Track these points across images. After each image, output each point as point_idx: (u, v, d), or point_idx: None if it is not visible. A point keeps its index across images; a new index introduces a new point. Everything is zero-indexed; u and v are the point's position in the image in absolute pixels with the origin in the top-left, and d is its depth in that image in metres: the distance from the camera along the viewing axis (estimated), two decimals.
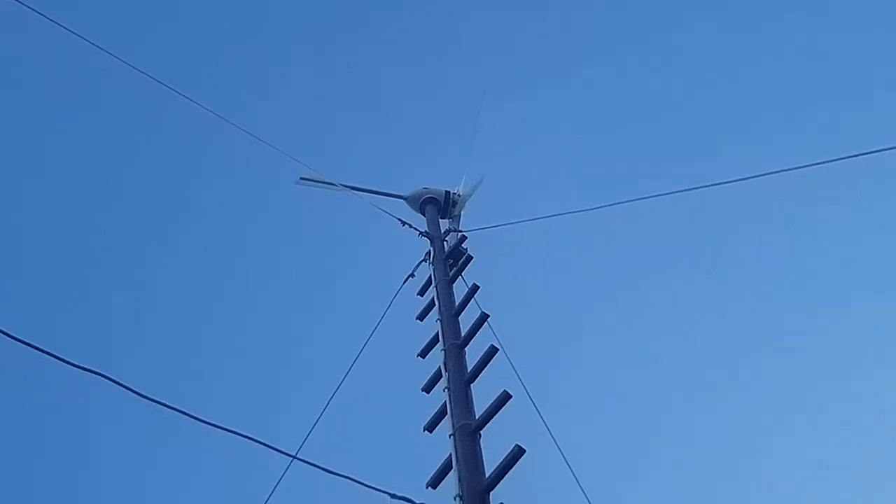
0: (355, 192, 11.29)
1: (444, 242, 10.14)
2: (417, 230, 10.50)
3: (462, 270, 9.14)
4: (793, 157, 7.73)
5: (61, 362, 4.82)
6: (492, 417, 6.66)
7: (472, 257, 9.29)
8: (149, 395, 5.19)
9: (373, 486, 5.92)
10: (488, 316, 7.87)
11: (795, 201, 16.89)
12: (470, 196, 11.22)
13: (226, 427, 5.58)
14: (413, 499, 6.05)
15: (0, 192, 18.48)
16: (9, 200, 18.53)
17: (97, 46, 9.17)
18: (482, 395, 7.07)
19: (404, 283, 9.63)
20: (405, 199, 11.23)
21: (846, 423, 16.08)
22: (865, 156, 6.78)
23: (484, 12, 23.13)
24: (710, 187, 8.38)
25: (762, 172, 7.86)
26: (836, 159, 6.99)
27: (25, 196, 19.03)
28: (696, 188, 8.62)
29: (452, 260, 9.54)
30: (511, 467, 6.03)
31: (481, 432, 6.63)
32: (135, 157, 20.76)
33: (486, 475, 6.13)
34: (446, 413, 7.10)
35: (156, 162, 20.71)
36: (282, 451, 5.97)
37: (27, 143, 19.41)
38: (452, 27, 23.47)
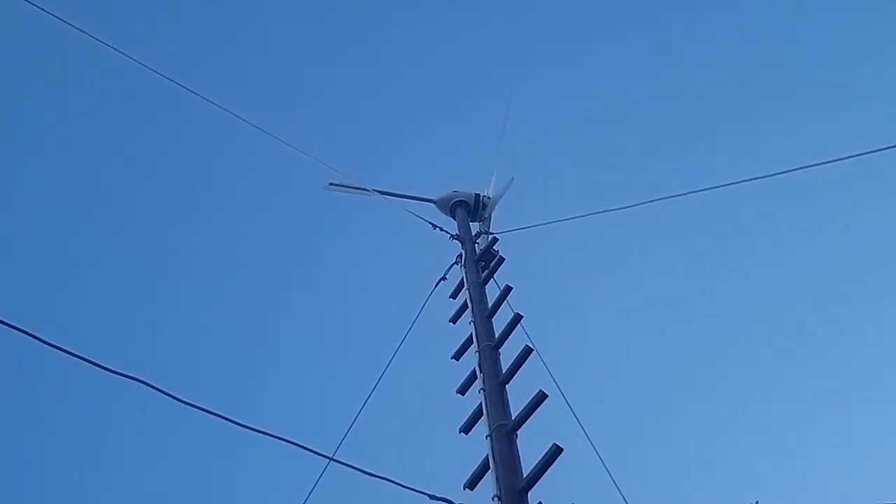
0: (385, 196, 11.33)
1: (476, 245, 10.13)
2: (448, 233, 10.49)
3: (494, 272, 9.11)
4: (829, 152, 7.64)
5: (97, 367, 4.86)
6: (528, 417, 6.63)
7: (503, 259, 9.26)
8: (185, 399, 5.24)
9: (412, 487, 5.92)
10: (522, 317, 7.84)
11: (832, 196, 16.72)
12: (500, 198, 11.20)
13: (263, 430, 5.62)
14: (452, 499, 6.04)
15: (22, 186, 18.76)
16: (36, 193, 18.85)
17: (121, 52, 9.26)
18: (517, 396, 7.07)
19: (436, 286, 9.62)
20: (435, 202, 11.24)
21: None
22: None
23: (513, 13, 23.15)
24: (749, 182, 8.33)
25: (798, 166, 7.78)
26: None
27: (46, 190, 19.30)
28: (733, 184, 8.57)
29: (484, 262, 9.51)
30: (549, 466, 6.01)
31: (518, 432, 6.62)
32: (167, 159, 20.97)
33: (524, 475, 6.12)
34: (482, 414, 7.09)
35: (191, 168, 20.95)
36: (319, 453, 6.01)
37: (52, 140, 19.70)
38: (481, 28, 23.51)
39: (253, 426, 5.63)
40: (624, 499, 6.64)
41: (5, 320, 4.40)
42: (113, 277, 19.36)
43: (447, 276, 9.68)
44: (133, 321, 18.69)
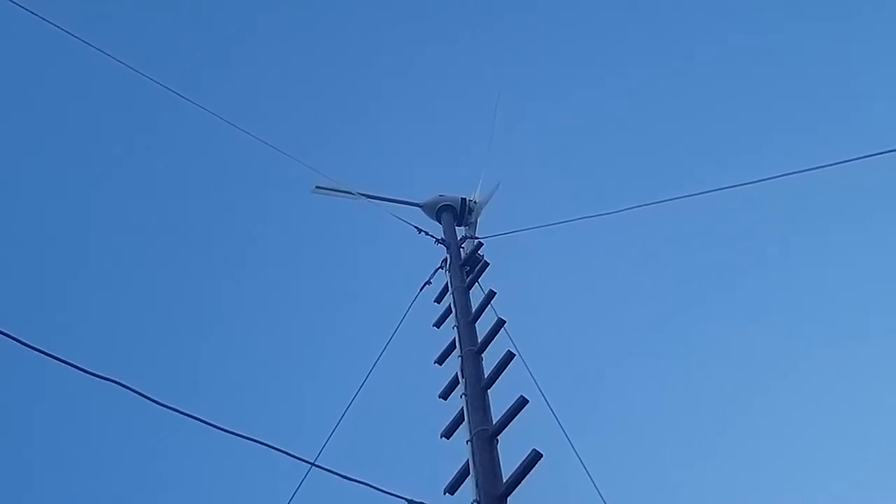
0: (371, 200, 11.34)
1: (461, 249, 10.15)
2: (434, 237, 10.52)
3: (478, 277, 9.14)
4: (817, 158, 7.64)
5: (77, 370, 4.86)
6: (509, 423, 6.66)
7: (488, 264, 9.28)
8: (165, 403, 5.23)
9: (391, 492, 5.94)
10: (505, 322, 7.87)
11: (822, 202, 16.82)
12: (486, 203, 11.24)
13: (244, 434, 5.61)
14: None
15: (15, 193, 18.69)
16: (32, 197, 18.81)
17: (117, 60, 9.25)
18: (499, 401, 7.09)
19: (421, 290, 9.65)
20: (421, 206, 11.26)
21: None
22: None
23: (501, 17, 23.20)
24: (733, 189, 8.33)
25: (785, 172, 7.78)
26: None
27: (38, 198, 19.24)
28: (718, 189, 8.57)
29: (469, 267, 9.54)
30: (528, 472, 6.02)
31: (498, 438, 6.64)
32: (151, 163, 20.90)
33: (504, 480, 6.14)
34: (463, 419, 7.10)
35: (174, 170, 20.89)
36: (300, 458, 6.00)
37: (44, 148, 19.65)
38: (469, 32, 23.53)
39: (235, 430, 5.62)
40: None
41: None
42: (101, 281, 19.31)
43: (432, 281, 9.72)
44: (118, 325, 18.63)
